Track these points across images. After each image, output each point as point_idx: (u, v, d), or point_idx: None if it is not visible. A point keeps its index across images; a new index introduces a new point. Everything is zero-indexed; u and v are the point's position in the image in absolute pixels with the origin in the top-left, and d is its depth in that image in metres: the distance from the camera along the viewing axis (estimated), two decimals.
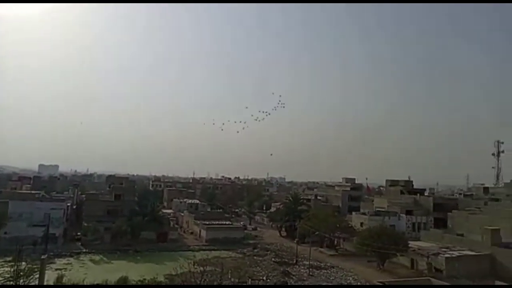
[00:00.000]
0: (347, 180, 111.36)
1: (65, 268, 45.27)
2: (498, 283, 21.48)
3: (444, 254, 48.30)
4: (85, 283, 38.05)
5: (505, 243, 50.61)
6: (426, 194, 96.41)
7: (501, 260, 47.10)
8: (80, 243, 59.31)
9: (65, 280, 38.53)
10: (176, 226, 76.27)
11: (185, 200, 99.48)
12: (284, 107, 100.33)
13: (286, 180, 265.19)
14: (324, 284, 42.84)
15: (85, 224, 63.13)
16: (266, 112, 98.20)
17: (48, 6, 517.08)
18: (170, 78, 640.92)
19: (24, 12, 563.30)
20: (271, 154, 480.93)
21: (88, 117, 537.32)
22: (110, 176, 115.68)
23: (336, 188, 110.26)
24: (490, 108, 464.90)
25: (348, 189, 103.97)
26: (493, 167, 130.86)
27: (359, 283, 43.27)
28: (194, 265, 33.30)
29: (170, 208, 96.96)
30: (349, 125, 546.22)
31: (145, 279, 39.98)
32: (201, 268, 33.03)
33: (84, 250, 55.97)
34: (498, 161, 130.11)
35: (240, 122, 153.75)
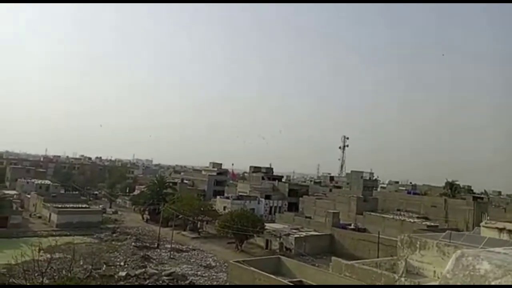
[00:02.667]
0: (214, 165, 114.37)
1: None
2: (334, 258, 25.07)
3: (293, 235, 53.97)
4: None
5: (342, 223, 59.23)
6: (283, 180, 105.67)
7: (338, 239, 54.99)
8: None
9: None
10: (20, 209, 66.99)
11: (33, 180, 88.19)
12: None
13: (154, 163, 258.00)
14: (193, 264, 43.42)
15: None
16: None
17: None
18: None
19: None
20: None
21: None
22: None
23: (203, 172, 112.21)
24: (337, 107, 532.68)
25: (215, 174, 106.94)
26: (338, 159, 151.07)
27: (218, 264, 45.15)
28: (39, 252, 29.86)
29: (14, 189, 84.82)
30: (215, 108, 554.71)
31: None
32: (48, 256, 29.94)
33: None
34: (343, 153, 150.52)
35: None
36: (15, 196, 75.86)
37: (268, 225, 57.83)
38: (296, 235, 53.67)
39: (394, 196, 78.31)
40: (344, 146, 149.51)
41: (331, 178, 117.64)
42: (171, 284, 36.57)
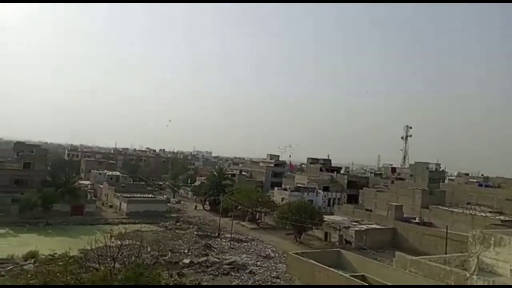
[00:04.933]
0: (272, 156, 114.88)
1: None
2: (398, 253, 24.03)
3: (354, 227, 52.67)
4: None
5: (406, 217, 56.68)
6: (342, 172, 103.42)
7: (401, 233, 52.76)
8: None
9: None
10: (94, 198, 72.55)
11: (104, 171, 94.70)
12: None
13: (213, 155, 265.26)
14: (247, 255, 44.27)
15: None
16: None
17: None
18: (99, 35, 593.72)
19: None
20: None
21: None
22: (18, 142, 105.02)
23: (261, 164, 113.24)
24: (401, 96, 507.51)
25: (272, 165, 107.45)
26: (401, 150, 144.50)
27: (276, 255, 45.45)
28: (111, 238, 32.05)
29: (88, 180, 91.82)
30: (275, 102, 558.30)
31: (56, 253, 37.70)
32: (119, 242, 32.02)
33: None
34: (406, 144, 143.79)
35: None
36: (89, 186, 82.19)
37: (326, 217, 57.03)
38: (356, 228, 52.37)
39: (464, 188, 73.19)
40: (406, 136, 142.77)
41: (393, 170, 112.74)
42: (232, 272, 37.48)
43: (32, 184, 62.66)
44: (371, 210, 64.44)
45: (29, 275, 30.14)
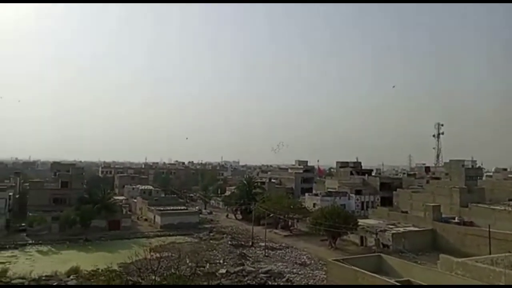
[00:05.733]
0: (300, 162, 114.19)
1: (9, 261, 42.74)
2: (442, 255, 23.19)
3: (390, 230, 51.31)
4: (32, 275, 36.35)
5: (444, 217, 54.72)
6: (373, 174, 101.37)
7: (441, 234, 50.91)
8: (25, 234, 55.94)
9: (9, 274, 36.57)
10: (129, 213, 74.30)
11: (137, 186, 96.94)
12: None
13: (240, 164, 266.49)
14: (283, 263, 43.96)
15: (30, 214, 59.68)
16: None
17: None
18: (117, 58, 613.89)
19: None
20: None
21: (26, 99, 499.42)
22: (55, 163, 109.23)
23: (289, 170, 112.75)
24: (431, 94, 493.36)
25: (301, 171, 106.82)
26: (433, 148, 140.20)
27: (312, 262, 44.86)
28: (150, 251, 32.72)
29: (122, 195, 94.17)
30: (297, 110, 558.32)
31: (98, 268, 38.78)
32: (157, 255, 32.62)
33: (30, 241, 52.98)
34: (438, 142, 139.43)
35: None
36: (123, 201, 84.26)
37: (361, 221, 55.88)
38: (393, 231, 51.01)
39: (504, 185, 70.04)
40: (438, 134, 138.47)
41: (427, 169, 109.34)
42: (269, 281, 37.25)
43: (70, 202, 64.92)
44: (406, 212, 62.65)
45: None
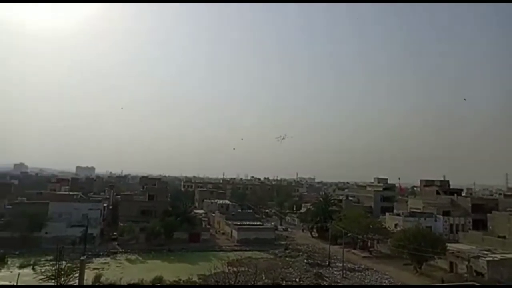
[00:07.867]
0: (379, 180, 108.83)
1: (103, 268, 46.60)
2: None
3: (485, 257, 46.18)
4: (122, 283, 39.14)
5: None
6: (463, 194, 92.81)
7: None
8: (116, 243, 60.91)
9: (102, 279, 39.78)
10: (208, 226, 77.10)
11: (216, 200, 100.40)
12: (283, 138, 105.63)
13: (316, 180, 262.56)
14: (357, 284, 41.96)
15: (121, 224, 64.87)
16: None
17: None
18: (199, 79, 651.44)
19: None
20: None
21: (121, 122, 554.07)
22: (143, 177, 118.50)
23: (368, 188, 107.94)
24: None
25: (381, 189, 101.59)
26: None
27: None
28: (227, 265, 33.44)
29: (202, 209, 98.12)
30: (376, 126, 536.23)
31: (180, 279, 40.56)
32: (234, 269, 33.18)
33: (120, 250, 57.44)
34: None
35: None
36: (203, 215, 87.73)
37: (450, 246, 51.26)
38: (489, 258, 45.82)
39: None
40: None
41: None
42: None
43: (156, 214, 69.33)
44: (504, 237, 56.06)
45: None
